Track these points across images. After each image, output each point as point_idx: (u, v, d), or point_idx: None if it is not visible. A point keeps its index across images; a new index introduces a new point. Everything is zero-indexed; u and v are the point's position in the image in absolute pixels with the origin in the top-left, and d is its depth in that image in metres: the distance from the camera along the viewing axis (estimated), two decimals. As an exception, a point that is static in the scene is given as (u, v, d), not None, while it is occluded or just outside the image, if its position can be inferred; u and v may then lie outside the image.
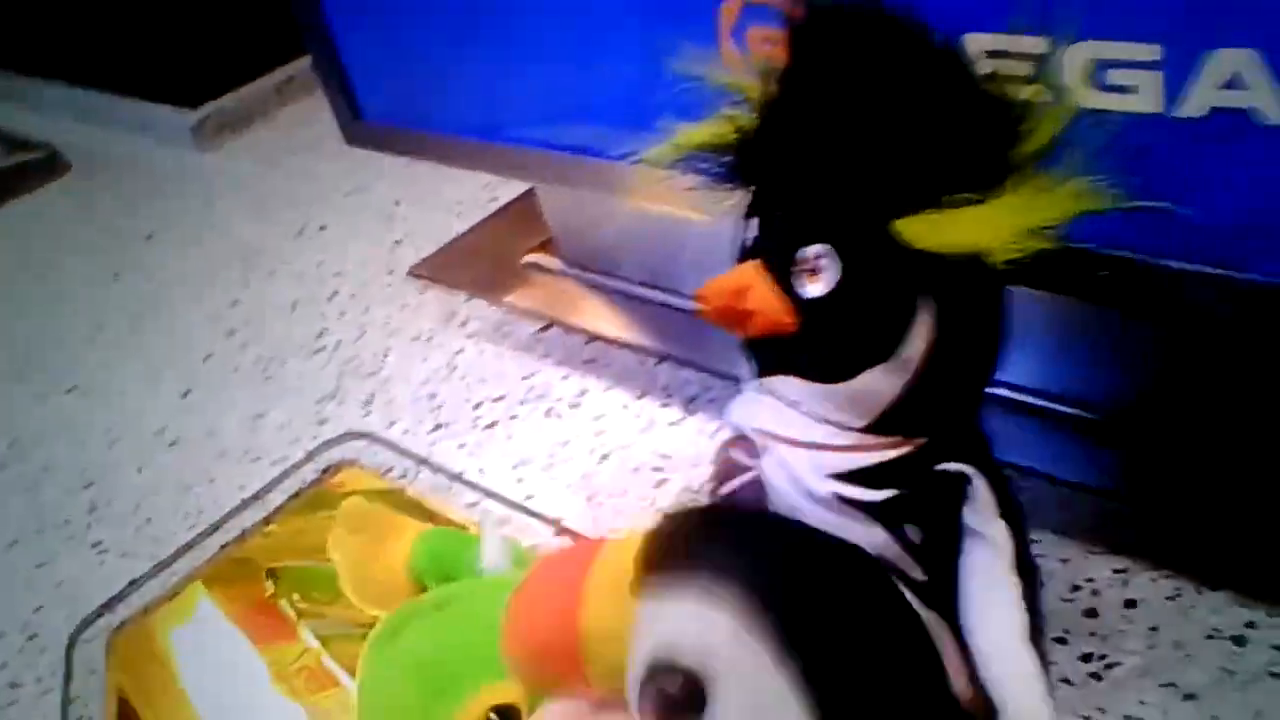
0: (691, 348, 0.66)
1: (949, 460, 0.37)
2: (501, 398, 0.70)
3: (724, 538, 0.23)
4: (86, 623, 0.61)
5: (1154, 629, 0.47)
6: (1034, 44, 0.35)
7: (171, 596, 0.62)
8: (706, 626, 0.20)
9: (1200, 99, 0.33)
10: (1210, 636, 0.46)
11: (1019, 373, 0.57)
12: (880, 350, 0.34)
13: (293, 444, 0.70)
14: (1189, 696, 0.44)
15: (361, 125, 0.68)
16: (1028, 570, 0.36)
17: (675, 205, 0.46)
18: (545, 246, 0.80)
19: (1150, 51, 0.33)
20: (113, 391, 0.81)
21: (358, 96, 0.66)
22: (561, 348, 0.73)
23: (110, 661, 0.59)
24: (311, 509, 0.65)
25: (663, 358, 0.68)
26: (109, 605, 0.61)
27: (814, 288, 0.35)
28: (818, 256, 0.34)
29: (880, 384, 0.35)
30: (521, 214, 0.85)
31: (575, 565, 0.23)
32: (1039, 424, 0.56)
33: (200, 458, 0.71)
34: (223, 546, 0.64)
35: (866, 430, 0.36)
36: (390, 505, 0.62)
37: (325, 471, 0.68)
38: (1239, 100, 0.33)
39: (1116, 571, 0.49)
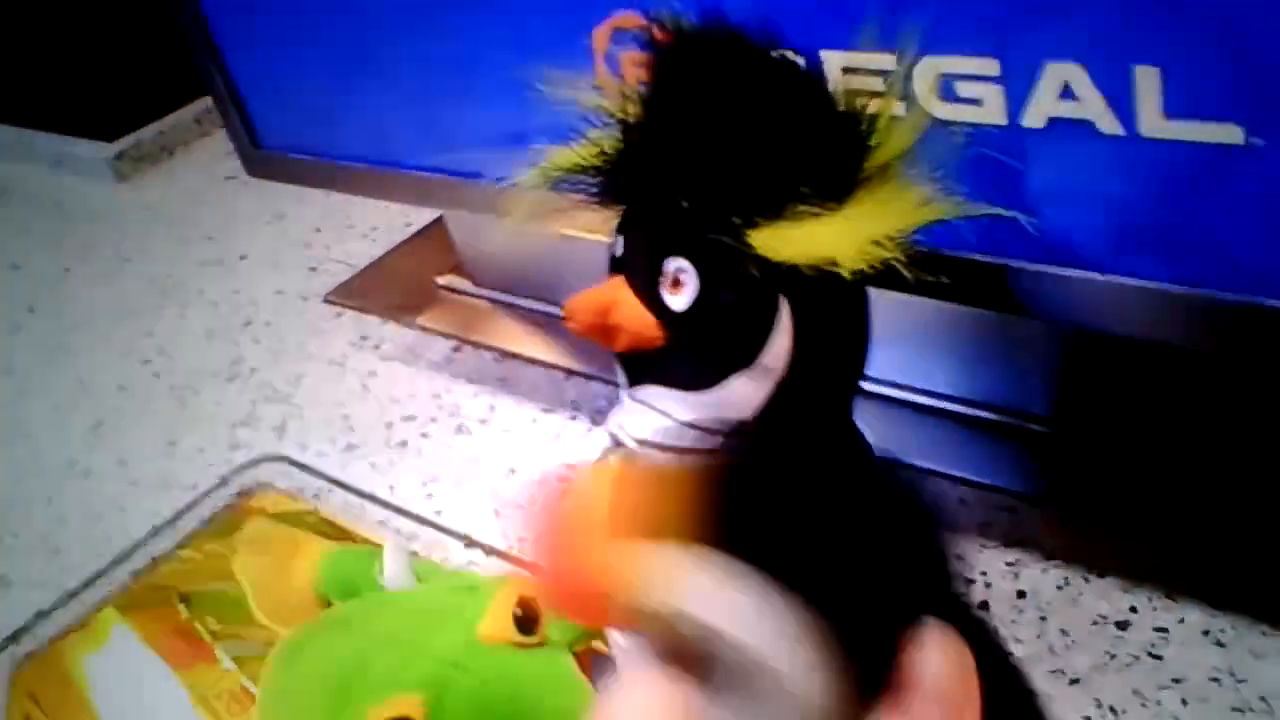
0: (599, 362, 0.67)
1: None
2: (413, 417, 0.70)
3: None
4: (-10, 656, 0.59)
5: (1043, 618, 0.48)
6: (884, 60, 0.36)
7: (82, 625, 0.61)
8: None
9: (1039, 110, 0.35)
10: (1095, 623, 0.47)
11: (919, 377, 0.59)
12: (743, 357, 0.35)
13: (207, 470, 0.70)
14: (1074, 681, 0.45)
15: (261, 154, 0.68)
16: None
17: (571, 227, 0.47)
18: (457, 269, 0.81)
19: (990, 65, 0.35)
20: (21, 426, 0.80)
21: (255, 125, 0.67)
22: (472, 366, 0.73)
23: (13, 693, 0.58)
24: (226, 533, 0.65)
25: (570, 373, 0.69)
26: (14, 637, 0.60)
27: (677, 301, 0.35)
28: (678, 270, 0.35)
29: (746, 390, 0.36)
30: (433, 238, 0.86)
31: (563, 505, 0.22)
32: (939, 427, 0.57)
33: (112, 487, 0.70)
34: (135, 574, 0.63)
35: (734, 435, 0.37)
36: (303, 526, 0.62)
37: (239, 495, 0.67)
38: (1075, 111, 0.34)
39: (1008, 565, 0.51)
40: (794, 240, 0.33)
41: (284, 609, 0.55)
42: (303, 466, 0.68)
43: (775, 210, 0.33)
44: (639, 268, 0.37)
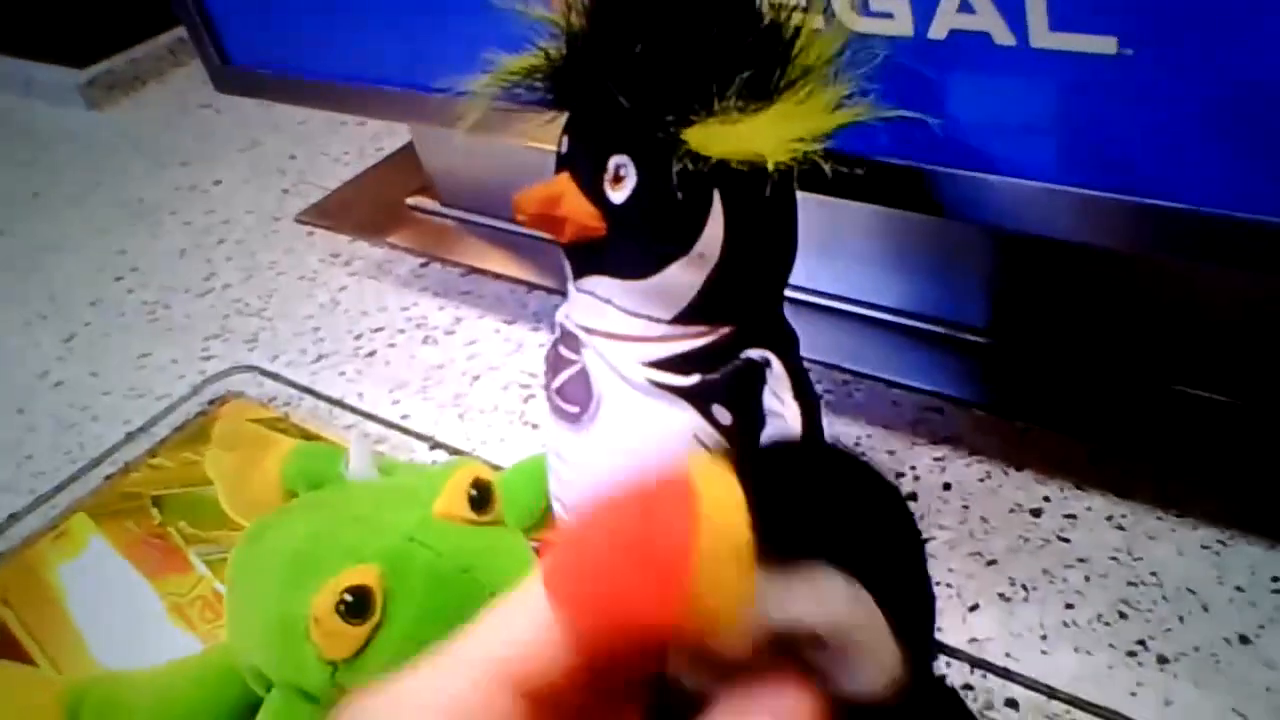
0: (559, 278, 0.69)
1: (752, 348, 0.41)
2: (381, 329, 0.73)
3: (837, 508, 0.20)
4: (-38, 557, 0.62)
5: (965, 507, 0.51)
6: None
7: (56, 530, 0.63)
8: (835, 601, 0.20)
9: (942, 23, 0.38)
10: (1012, 511, 0.51)
11: (856, 288, 0.62)
12: (678, 247, 0.38)
13: (179, 380, 0.72)
14: (991, 562, 0.49)
15: (230, 70, 0.70)
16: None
17: (528, 139, 0.49)
18: (426, 190, 0.83)
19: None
20: (-6, 339, 0.82)
21: (224, 41, 0.68)
22: (439, 282, 0.76)
23: (-13, 593, 0.59)
24: (197, 441, 0.67)
25: (533, 287, 0.72)
26: (-13, 540, 0.63)
27: (617, 195, 0.38)
28: (618, 166, 0.38)
29: (682, 278, 0.39)
30: (404, 161, 0.88)
31: (672, 525, 0.18)
32: (874, 334, 0.61)
33: (84, 397, 0.73)
34: (107, 478, 0.65)
35: (674, 322, 0.40)
36: (274, 431, 0.65)
37: (211, 404, 0.70)
38: (973, 24, 0.37)
39: (936, 460, 0.54)
40: (724, 137, 0.36)
41: (250, 503, 0.57)
42: (274, 375, 0.70)
43: (707, 109, 0.36)
44: (583, 164, 0.39)
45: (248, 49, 0.68)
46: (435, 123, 0.59)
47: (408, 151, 0.88)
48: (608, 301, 0.40)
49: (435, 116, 0.58)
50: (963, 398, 0.56)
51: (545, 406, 0.44)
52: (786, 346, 0.42)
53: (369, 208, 0.86)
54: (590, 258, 0.40)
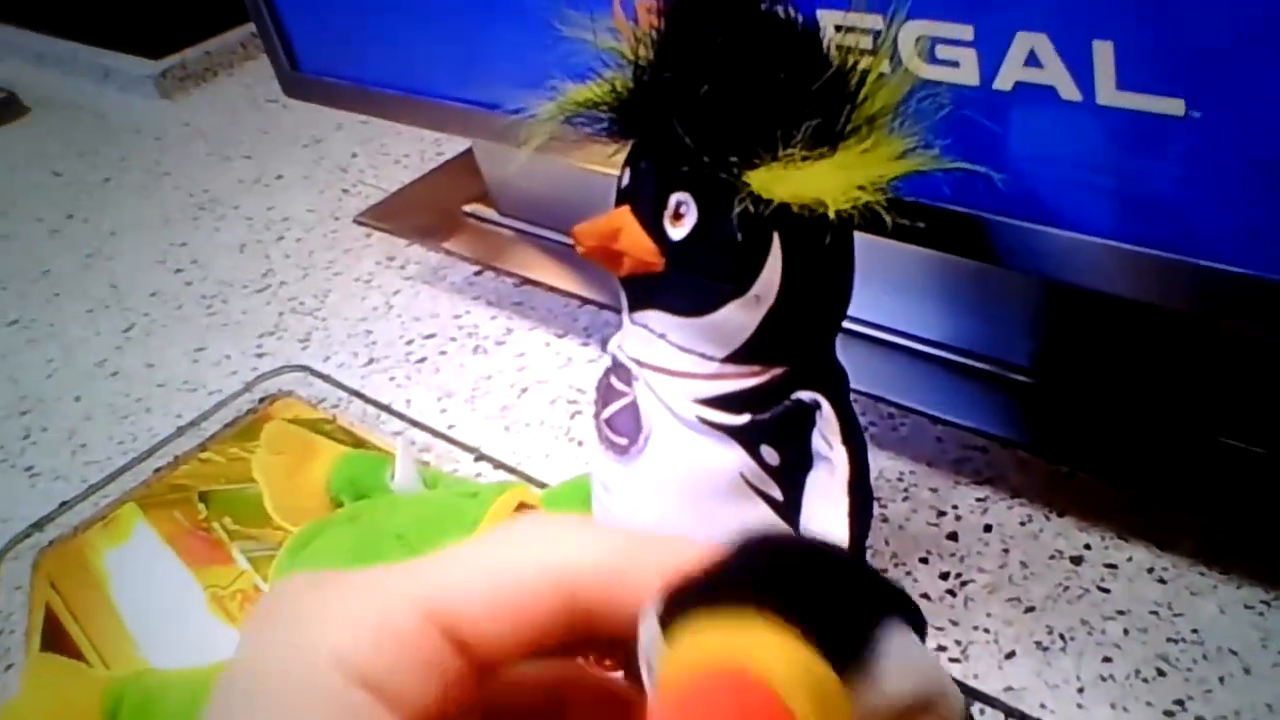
0: (610, 293, 0.70)
1: (803, 389, 0.41)
2: (433, 335, 0.74)
3: None
4: (15, 541, 0.63)
5: (1005, 550, 0.51)
6: (874, 21, 0.39)
7: (105, 519, 0.64)
8: None
9: (1008, 75, 0.38)
10: (1053, 557, 0.50)
11: (907, 322, 0.61)
12: (735, 287, 0.38)
13: (231, 376, 0.74)
14: (1029, 609, 0.49)
15: (300, 77, 0.71)
16: (861, 492, 0.41)
17: (588, 161, 0.50)
18: (484, 198, 0.84)
19: (966, 31, 0.38)
20: (55, 326, 0.84)
21: (295, 48, 0.70)
22: (493, 291, 0.77)
23: (36, 577, 0.61)
24: (247, 437, 0.68)
25: (585, 301, 0.72)
26: (39, 525, 0.64)
27: (677, 231, 0.39)
28: (679, 204, 0.38)
29: (737, 318, 0.39)
30: (463, 167, 0.89)
31: None
32: (922, 369, 0.60)
33: (139, 388, 0.74)
34: (157, 471, 0.67)
35: (727, 361, 0.40)
36: (321, 433, 0.66)
37: (262, 401, 0.71)
38: (1040, 78, 0.37)
39: (978, 500, 0.54)
40: (786, 181, 0.36)
41: (295, 507, 0.58)
42: (324, 377, 0.71)
43: (770, 152, 0.36)
44: (644, 199, 0.40)
45: (317, 56, 0.70)
46: (498, 140, 0.60)
47: (467, 158, 0.89)
48: (661, 336, 0.41)
49: (499, 135, 0.59)
50: (1007, 437, 0.56)
51: (593, 433, 0.44)
52: (837, 389, 0.42)
53: (427, 212, 0.87)
54: (647, 291, 0.41)
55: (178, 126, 1.16)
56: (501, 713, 0.20)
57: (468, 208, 0.84)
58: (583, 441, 0.62)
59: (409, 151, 0.99)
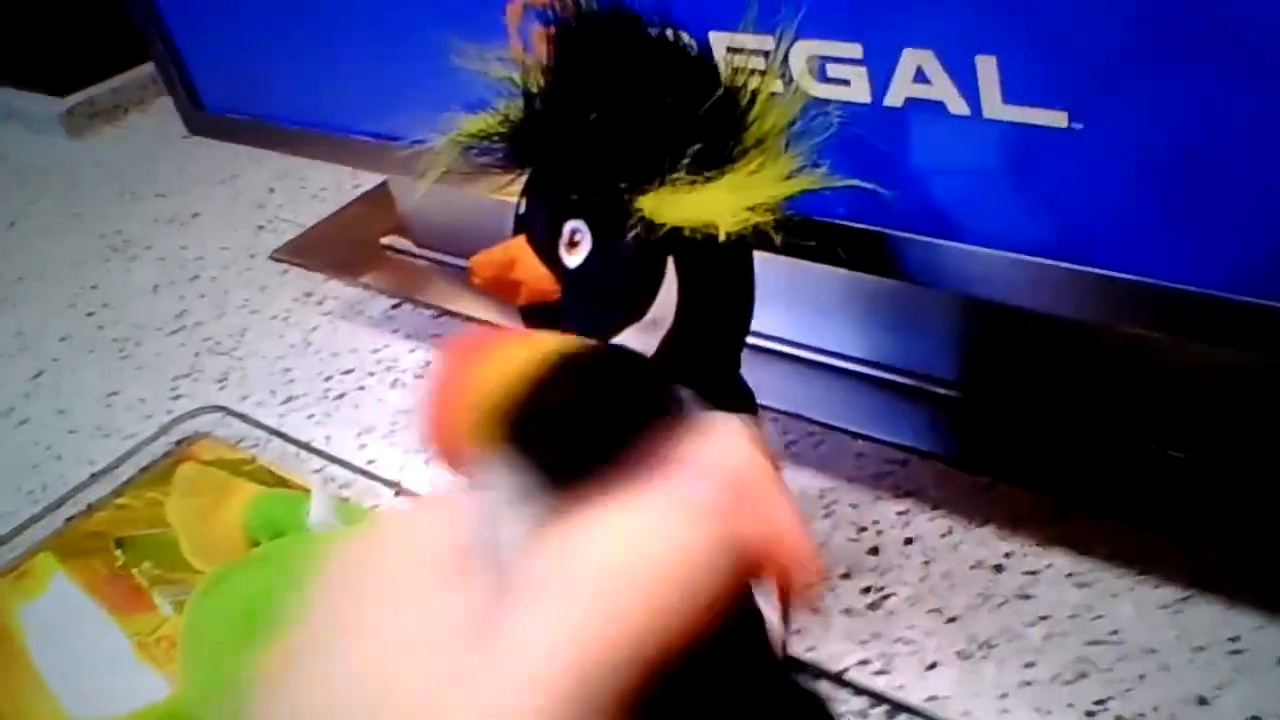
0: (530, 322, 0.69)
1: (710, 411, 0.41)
2: (351, 370, 0.73)
3: None
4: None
5: (927, 563, 0.51)
6: (765, 41, 0.39)
7: (17, 571, 0.62)
8: None
9: (898, 91, 0.38)
10: (974, 567, 0.51)
11: (823, 338, 0.62)
12: (630, 313, 0.38)
13: (147, 420, 0.72)
14: (951, 619, 0.49)
15: (204, 115, 0.70)
16: None
17: (498, 191, 0.50)
18: (401, 230, 0.83)
19: (855, 49, 0.38)
20: (-38, 375, 0.82)
21: (197, 86, 0.69)
22: (411, 323, 0.76)
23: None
24: (164, 481, 0.66)
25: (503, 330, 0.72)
26: (-53, 580, 0.62)
27: (572, 259, 0.38)
28: (573, 231, 0.38)
29: (635, 343, 0.39)
30: (380, 199, 0.88)
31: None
32: (840, 385, 0.61)
33: (49, 436, 0.72)
34: (70, 520, 0.65)
35: None
36: (241, 474, 0.64)
37: (178, 444, 0.70)
38: (928, 93, 0.38)
39: (899, 514, 0.54)
40: (676, 205, 0.36)
41: (212, 550, 0.57)
42: (242, 416, 0.70)
43: (660, 177, 0.36)
44: (539, 227, 0.40)
45: (221, 94, 0.69)
46: (403, 174, 0.59)
47: (384, 190, 0.88)
48: None
49: (404, 168, 0.58)
50: (927, 450, 0.56)
51: None
52: (743, 410, 0.42)
53: (344, 246, 0.86)
54: (545, 321, 0.40)
55: (87, 165, 1.14)
56: None
57: (385, 240, 0.83)
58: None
59: (326, 184, 0.98)
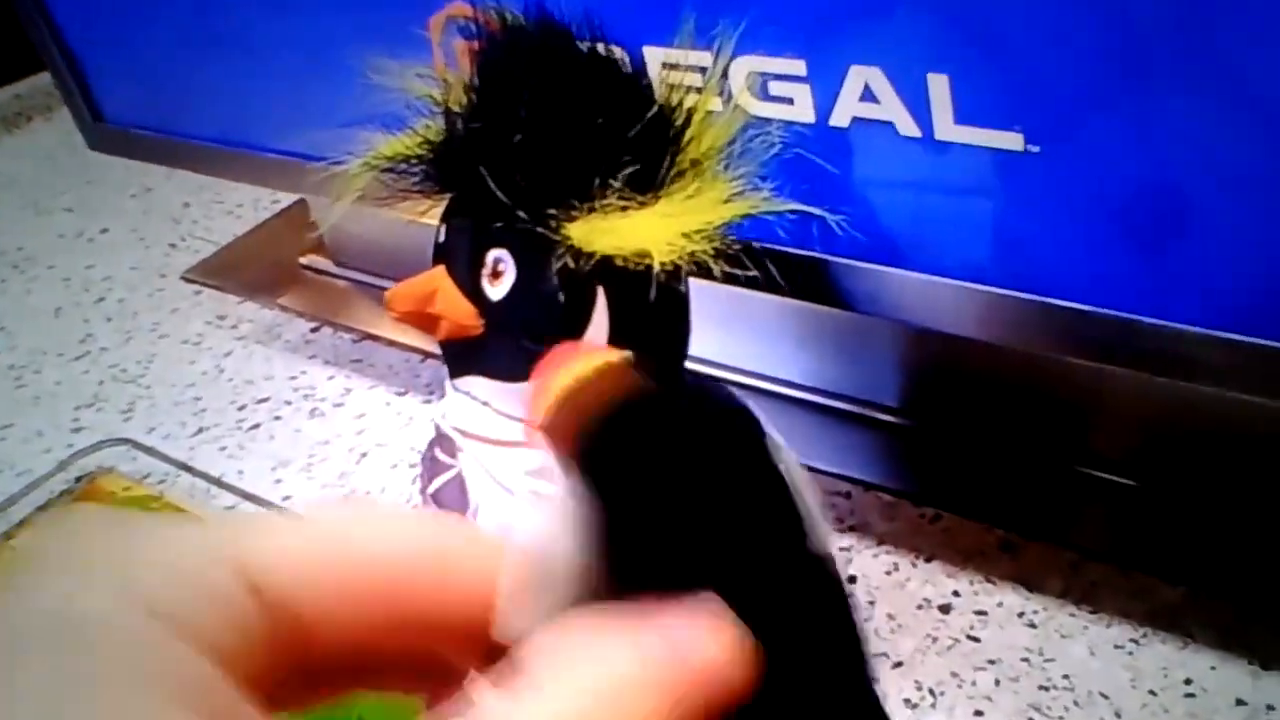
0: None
1: None
2: (266, 399, 0.69)
3: None
4: None
5: (871, 602, 0.49)
6: (703, 57, 0.36)
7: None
8: None
9: (844, 111, 0.36)
10: (920, 607, 0.49)
11: (762, 362, 0.59)
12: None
13: (45, 454, 0.67)
14: (897, 664, 0.47)
15: (104, 128, 0.66)
16: None
17: (410, 217, 0.46)
18: (319, 249, 0.79)
19: (799, 65, 0.36)
20: None
21: (95, 97, 0.64)
22: (330, 348, 0.72)
23: None
24: (62, 520, 0.62)
25: (427, 355, 0.68)
26: None
27: (495, 291, 0.36)
28: (496, 260, 0.35)
29: None
30: (298, 217, 0.84)
31: None
32: (781, 409, 0.58)
33: (-64, 472, 0.68)
34: (-42, 563, 0.60)
35: None
36: (148, 511, 0.60)
37: (80, 480, 0.65)
38: (877, 113, 0.35)
39: (841, 550, 0.52)
40: (607, 232, 0.33)
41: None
42: (148, 450, 0.66)
43: (589, 203, 0.33)
44: (460, 257, 0.37)
45: (123, 106, 0.64)
46: (319, 194, 0.56)
47: (300, 206, 0.84)
48: (485, 404, 0.37)
49: (320, 188, 0.55)
50: (871, 481, 0.54)
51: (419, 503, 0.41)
52: None
53: (260, 266, 0.82)
54: (467, 356, 0.37)
55: (-11, 178, 1.08)
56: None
57: (303, 259, 0.79)
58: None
59: (243, 201, 0.93)
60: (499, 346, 0.36)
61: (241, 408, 0.68)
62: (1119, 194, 0.32)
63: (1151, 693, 0.44)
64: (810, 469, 0.58)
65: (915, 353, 0.54)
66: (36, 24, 0.62)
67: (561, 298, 0.34)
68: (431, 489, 0.39)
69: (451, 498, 0.38)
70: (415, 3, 0.45)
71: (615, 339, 0.35)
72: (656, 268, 0.32)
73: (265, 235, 0.86)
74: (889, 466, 0.55)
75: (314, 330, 0.74)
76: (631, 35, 0.37)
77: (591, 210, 0.33)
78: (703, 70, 0.37)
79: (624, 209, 0.33)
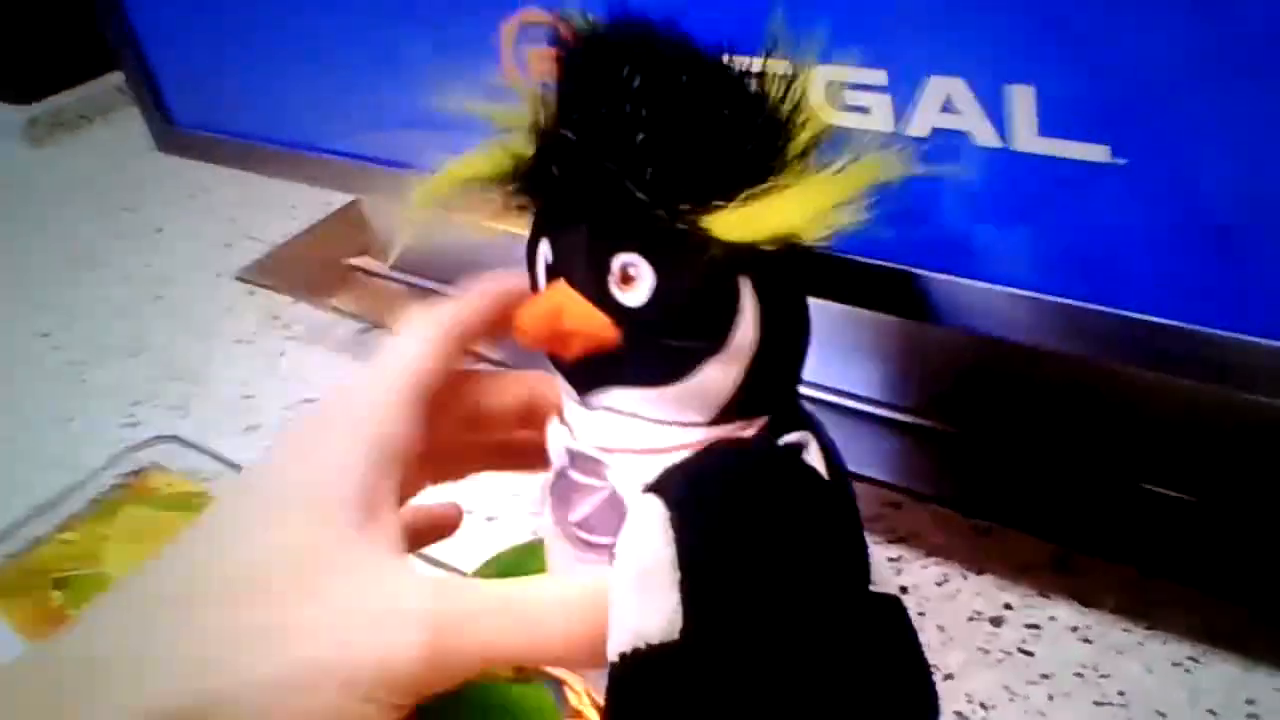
0: (507, 348, 0.66)
1: (787, 433, 0.37)
2: (315, 399, 0.69)
3: None
4: None
5: (922, 614, 0.49)
6: (783, 66, 0.36)
7: (-48, 612, 0.59)
8: None
9: (922, 120, 0.35)
10: (971, 619, 0.48)
11: (816, 372, 0.59)
12: (711, 344, 0.34)
13: (99, 449, 0.68)
14: (948, 677, 0.46)
15: (173, 131, 0.67)
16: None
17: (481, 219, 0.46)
18: (371, 251, 0.80)
19: (879, 75, 0.35)
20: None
21: (167, 100, 0.65)
22: (380, 349, 0.73)
23: None
24: (112, 515, 0.63)
25: (478, 358, 0.69)
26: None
27: (630, 297, 0.34)
28: (625, 265, 0.34)
29: (718, 376, 0.35)
30: (350, 218, 0.85)
31: None
32: (835, 419, 0.58)
33: (-7, 465, 0.69)
34: (11, 556, 0.61)
35: (713, 424, 0.35)
36: (193, 509, 0.61)
37: (130, 476, 0.66)
38: (955, 123, 0.35)
39: (891, 560, 0.51)
40: (751, 220, 0.32)
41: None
42: (197, 447, 0.66)
43: (723, 195, 0.33)
44: (579, 268, 0.35)
45: (192, 109, 0.65)
46: (384, 197, 0.56)
47: (354, 208, 0.85)
48: (634, 415, 0.36)
49: (385, 191, 0.55)
50: (923, 492, 0.53)
51: (552, 540, 0.38)
52: (812, 424, 0.38)
53: (313, 267, 0.82)
54: (603, 370, 0.36)
55: (50, 177, 1.10)
56: None
57: (355, 261, 0.80)
58: (494, 517, 0.58)
59: (297, 202, 0.94)
60: (642, 353, 0.35)
61: (291, 407, 0.69)
62: (1205, 207, 0.32)
63: (1211, 712, 0.43)
64: (862, 478, 0.57)
65: (970, 362, 0.53)
66: (116, 30, 0.63)
67: (710, 293, 0.34)
68: (575, 516, 0.38)
69: (605, 521, 0.37)
70: (485, 6, 0.45)
71: (764, 328, 0.35)
72: (810, 245, 0.32)
73: (318, 237, 0.87)
74: (942, 478, 0.54)
75: (364, 331, 0.75)
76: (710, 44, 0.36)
77: (728, 200, 0.33)
78: (784, 80, 0.37)
79: (755, 196, 0.32)
